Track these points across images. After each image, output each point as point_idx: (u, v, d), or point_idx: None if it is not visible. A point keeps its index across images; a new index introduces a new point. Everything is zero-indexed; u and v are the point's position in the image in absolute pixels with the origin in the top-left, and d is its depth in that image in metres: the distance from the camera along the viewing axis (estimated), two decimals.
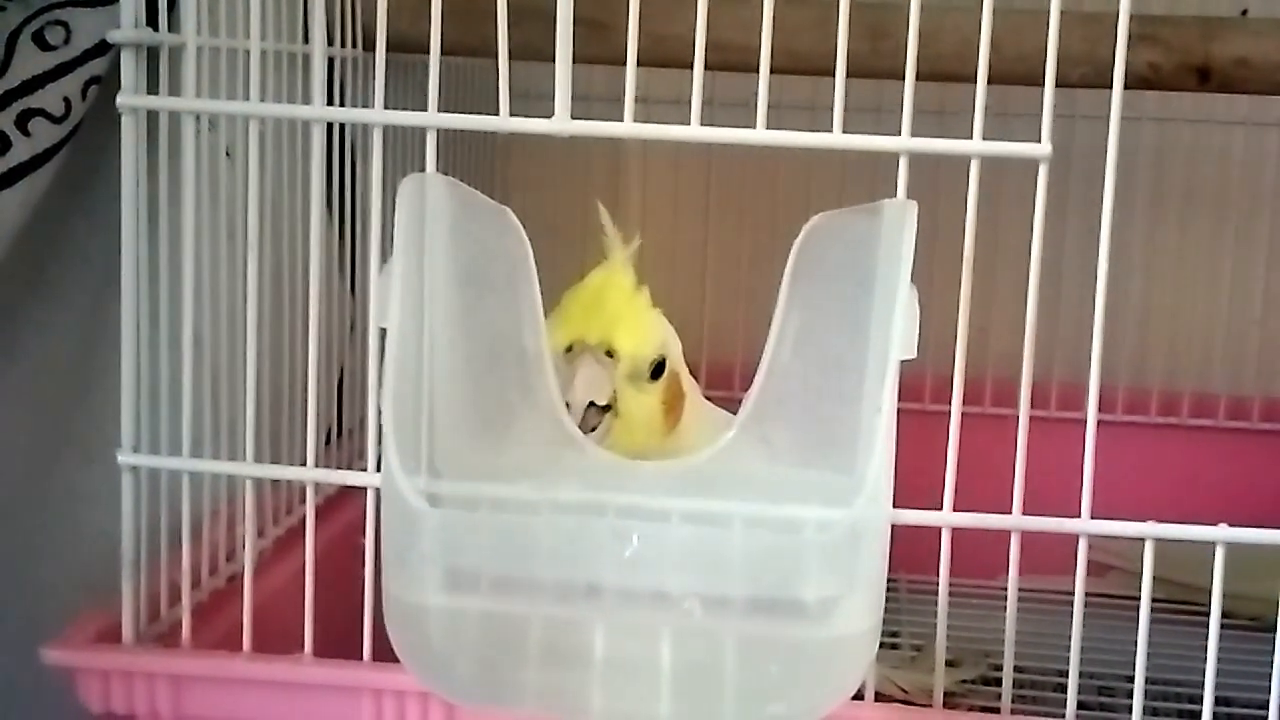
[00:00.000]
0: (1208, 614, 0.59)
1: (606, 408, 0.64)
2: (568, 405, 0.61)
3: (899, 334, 0.53)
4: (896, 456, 0.53)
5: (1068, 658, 0.61)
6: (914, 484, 0.58)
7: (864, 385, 0.55)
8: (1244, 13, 1.08)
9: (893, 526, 0.53)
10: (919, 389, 1.00)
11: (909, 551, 0.60)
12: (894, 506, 0.54)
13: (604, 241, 0.68)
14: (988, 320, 0.94)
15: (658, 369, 0.66)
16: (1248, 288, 1.15)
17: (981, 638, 0.91)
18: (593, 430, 0.63)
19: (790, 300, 0.57)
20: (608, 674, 0.51)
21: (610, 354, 0.64)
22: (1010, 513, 0.59)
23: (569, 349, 0.63)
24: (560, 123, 0.58)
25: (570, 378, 0.62)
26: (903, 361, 0.55)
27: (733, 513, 0.54)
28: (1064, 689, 0.61)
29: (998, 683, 0.63)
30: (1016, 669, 0.91)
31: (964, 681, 0.89)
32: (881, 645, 0.94)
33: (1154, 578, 0.62)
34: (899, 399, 1.04)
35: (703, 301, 1.12)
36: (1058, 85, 0.61)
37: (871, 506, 0.50)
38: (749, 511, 0.54)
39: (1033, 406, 0.86)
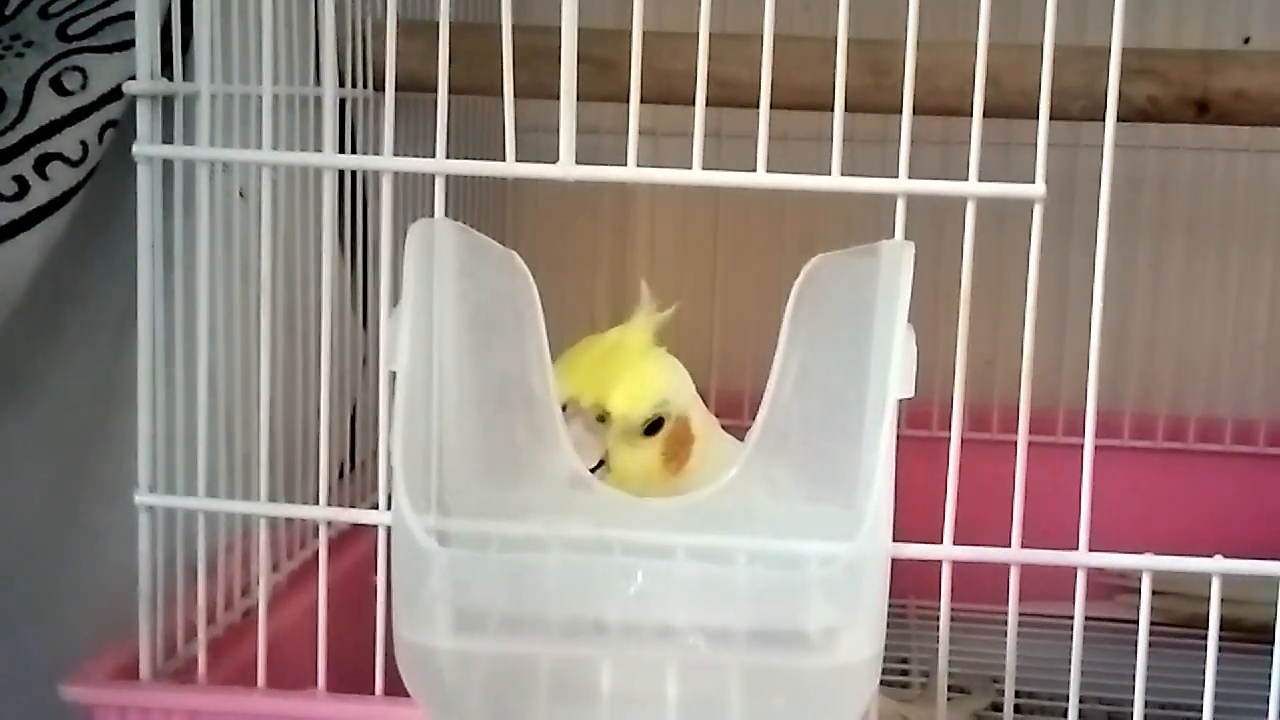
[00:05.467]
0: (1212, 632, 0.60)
1: (600, 463, 0.64)
2: None
3: (897, 373, 0.54)
4: (903, 483, 0.54)
5: (1080, 683, 0.62)
6: (921, 510, 0.59)
7: (864, 422, 0.55)
8: (1246, 40, 1.09)
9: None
10: (926, 416, 1.01)
11: (918, 578, 0.61)
12: (901, 531, 0.55)
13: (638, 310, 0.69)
14: (994, 349, 0.95)
15: (654, 426, 0.66)
16: (1253, 312, 1.15)
17: (991, 664, 0.91)
18: None
19: (791, 339, 0.58)
20: (615, 709, 0.52)
21: (603, 416, 0.64)
22: (1009, 544, 0.60)
23: (564, 408, 0.63)
24: (565, 168, 0.59)
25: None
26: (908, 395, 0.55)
27: (736, 548, 0.55)
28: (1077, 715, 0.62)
29: (1014, 709, 0.64)
30: (1028, 695, 0.93)
31: (977, 714, 0.90)
32: (891, 673, 0.96)
33: (1160, 593, 0.63)
34: (906, 427, 1.05)
35: (711, 332, 1.13)
36: (1058, 118, 0.61)
37: (871, 541, 0.51)
38: (752, 547, 0.55)
39: (1039, 433, 0.87)
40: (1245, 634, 0.78)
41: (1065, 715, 0.64)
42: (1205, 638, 0.61)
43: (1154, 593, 0.61)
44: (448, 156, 0.60)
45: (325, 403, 0.62)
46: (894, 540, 0.55)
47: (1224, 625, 0.61)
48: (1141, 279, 1.14)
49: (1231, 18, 1.10)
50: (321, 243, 0.63)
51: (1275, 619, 0.58)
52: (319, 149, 0.63)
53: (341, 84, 0.80)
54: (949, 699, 0.70)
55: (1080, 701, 0.63)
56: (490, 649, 0.52)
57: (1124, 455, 1.10)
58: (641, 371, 0.67)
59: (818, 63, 0.78)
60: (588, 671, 0.52)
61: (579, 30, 0.58)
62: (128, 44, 0.70)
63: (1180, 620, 0.93)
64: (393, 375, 0.56)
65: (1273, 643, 0.60)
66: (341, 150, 0.80)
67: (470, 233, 0.59)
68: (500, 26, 0.58)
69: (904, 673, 0.98)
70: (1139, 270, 1.14)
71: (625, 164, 0.59)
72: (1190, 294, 1.15)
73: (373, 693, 0.62)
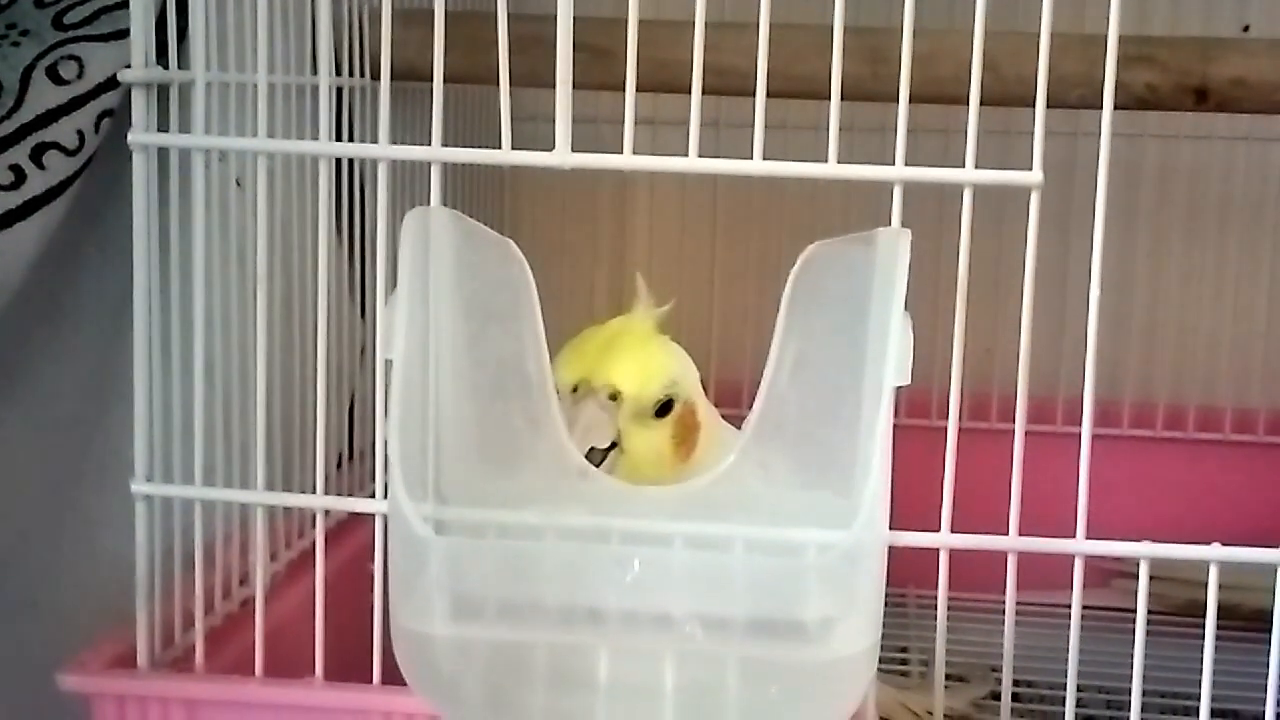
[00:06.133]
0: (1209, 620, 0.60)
1: (612, 446, 0.65)
2: None
3: (893, 361, 0.54)
4: (903, 472, 0.54)
5: (1077, 672, 0.62)
6: (921, 499, 0.59)
7: (860, 410, 0.55)
8: (1246, 28, 1.09)
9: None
10: (925, 405, 1.01)
11: (918, 567, 0.61)
12: (901, 521, 0.55)
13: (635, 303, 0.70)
14: (994, 338, 0.95)
15: (664, 407, 0.66)
16: (1252, 301, 1.15)
17: (991, 652, 0.91)
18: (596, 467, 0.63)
19: (788, 327, 0.58)
20: (612, 697, 0.52)
21: (615, 396, 0.65)
22: (1007, 532, 0.61)
23: (575, 389, 0.64)
24: (561, 156, 0.58)
25: (571, 417, 0.63)
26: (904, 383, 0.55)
27: (733, 536, 0.55)
28: (1076, 704, 0.62)
29: (1013, 698, 0.64)
30: (1027, 684, 0.93)
31: (977, 702, 0.90)
32: (890, 662, 0.96)
33: (1157, 578, 0.64)
34: (905, 416, 1.05)
35: (710, 320, 1.13)
36: (1057, 106, 0.62)
37: (868, 530, 0.51)
38: (749, 535, 0.55)
39: (1038, 422, 0.86)
40: (1242, 620, 0.79)
41: (1064, 704, 0.64)
42: (1202, 625, 0.61)
43: (1151, 578, 0.61)
44: (445, 145, 0.60)
45: (322, 391, 0.62)
46: (894, 529, 0.55)
47: (1220, 612, 0.61)
48: (1140, 267, 1.14)
49: (1231, 5, 1.10)
50: (318, 231, 0.63)
51: (1271, 605, 0.58)
52: (315, 137, 0.63)
53: (338, 72, 0.80)
54: (948, 688, 0.70)
55: (1079, 690, 0.63)
56: (487, 637, 0.52)
57: (1123, 444, 1.10)
58: (651, 353, 0.67)
59: (814, 52, 0.79)
60: (585, 660, 0.52)
61: (576, 19, 0.58)
62: (124, 33, 0.70)
63: (1177, 607, 0.94)
64: (389, 363, 0.56)
65: (1268, 629, 0.60)
66: (338, 139, 0.80)
67: (466, 220, 0.59)
68: (497, 15, 0.58)
69: (903, 661, 0.98)
70: (1138, 259, 1.14)
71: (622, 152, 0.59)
72: (1189, 282, 1.15)
73: (370, 681, 0.62)
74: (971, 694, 0.91)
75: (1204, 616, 0.60)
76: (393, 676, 0.57)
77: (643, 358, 0.66)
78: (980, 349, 1.01)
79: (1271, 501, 1.07)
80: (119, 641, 0.63)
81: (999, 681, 0.90)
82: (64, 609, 0.74)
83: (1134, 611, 0.61)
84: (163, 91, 0.63)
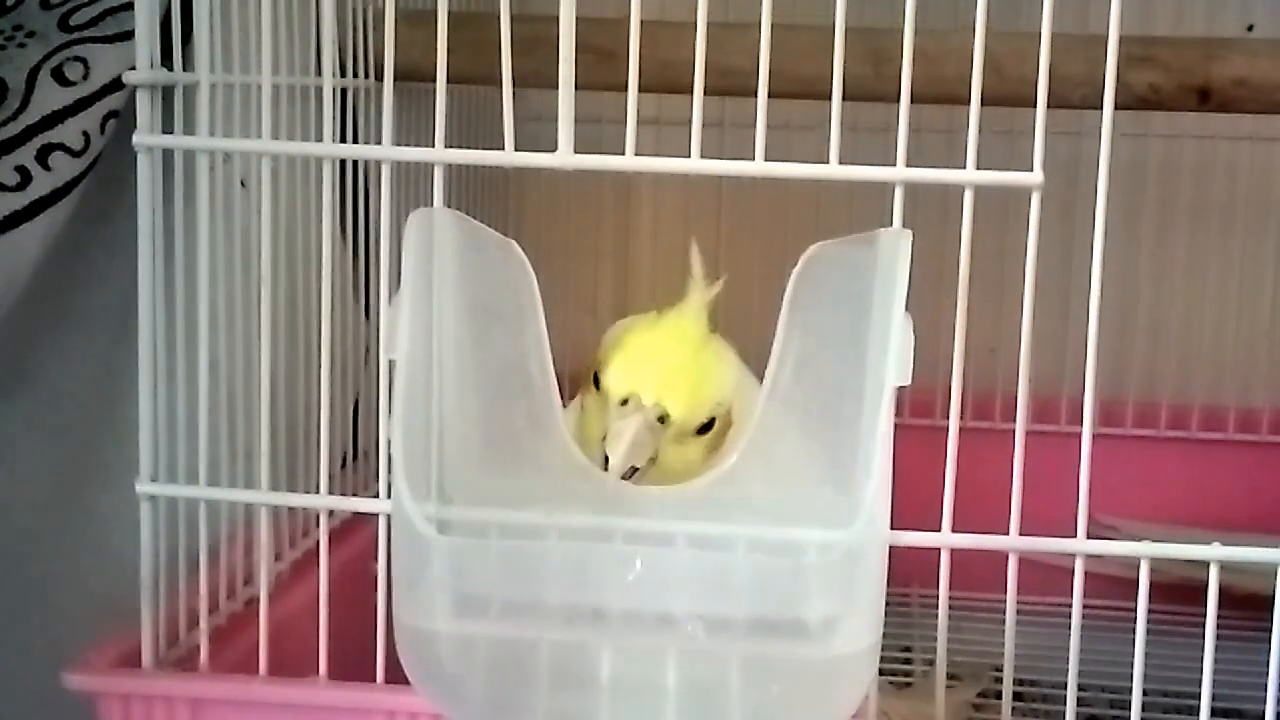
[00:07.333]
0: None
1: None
2: (606, 456, 0.62)
3: (894, 361, 0.54)
4: (908, 473, 0.54)
5: (1081, 671, 0.63)
6: (926, 500, 0.59)
7: (862, 410, 0.55)
8: (1250, 28, 1.09)
9: None
10: (929, 405, 1.01)
11: (922, 566, 0.61)
12: (905, 521, 0.55)
13: (688, 281, 0.69)
14: (998, 337, 0.95)
15: (705, 426, 0.65)
16: (1256, 300, 1.15)
17: (995, 652, 0.91)
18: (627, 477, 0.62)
19: (789, 327, 0.58)
20: (615, 696, 0.52)
21: (663, 418, 0.63)
22: (1009, 532, 0.61)
23: (624, 401, 0.63)
24: (564, 157, 0.59)
25: (616, 430, 0.62)
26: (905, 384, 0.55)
27: (735, 535, 0.56)
28: (1079, 703, 0.63)
29: (1016, 697, 0.64)
30: (1030, 683, 0.93)
31: (974, 701, 0.90)
32: (893, 661, 0.95)
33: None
34: (909, 416, 1.05)
35: (714, 320, 1.13)
36: (1058, 106, 0.62)
37: (869, 529, 0.51)
38: (751, 534, 0.56)
39: (1042, 421, 0.86)
40: (1233, 603, 0.78)
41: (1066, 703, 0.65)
42: (1197, 603, 0.61)
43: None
44: (451, 146, 0.60)
45: (326, 391, 0.62)
46: (899, 528, 0.55)
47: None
48: (1145, 267, 1.14)
49: (1235, 5, 1.09)
50: (322, 232, 0.63)
51: (1265, 589, 0.59)
52: (319, 139, 0.63)
53: (342, 74, 0.80)
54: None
55: (1082, 689, 0.63)
56: (490, 636, 0.52)
57: (1127, 444, 1.10)
58: (701, 372, 0.65)
59: (817, 52, 0.78)
60: (587, 658, 0.52)
61: (580, 20, 0.58)
62: (129, 34, 0.70)
63: (1171, 582, 0.94)
64: (392, 363, 0.56)
65: (1260, 613, 0.60)
66: (342, 140, 0.80)
67: (469, 221, 0.59)
68: (500, 16, 0.58)
69: (907, 661, 0.98)
70: (1142, 258, 1.14)
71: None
72: (1194, 282, 1.15)
73: (374, 680, 0.62)
74: (962, 695, 0.91)
75: (1196, 595, 0.60)
76: (396, 675, 0.57)
77: (695, 378, 0.65)
78: (985, 349, 1.01)
79: (1274, 501, 1.07)
80: (124, 640, 0.64)
81: (996, 680, 0.90)
82: (69, 608, 0.74)
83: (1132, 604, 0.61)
84: (167, 93, 0.63)
